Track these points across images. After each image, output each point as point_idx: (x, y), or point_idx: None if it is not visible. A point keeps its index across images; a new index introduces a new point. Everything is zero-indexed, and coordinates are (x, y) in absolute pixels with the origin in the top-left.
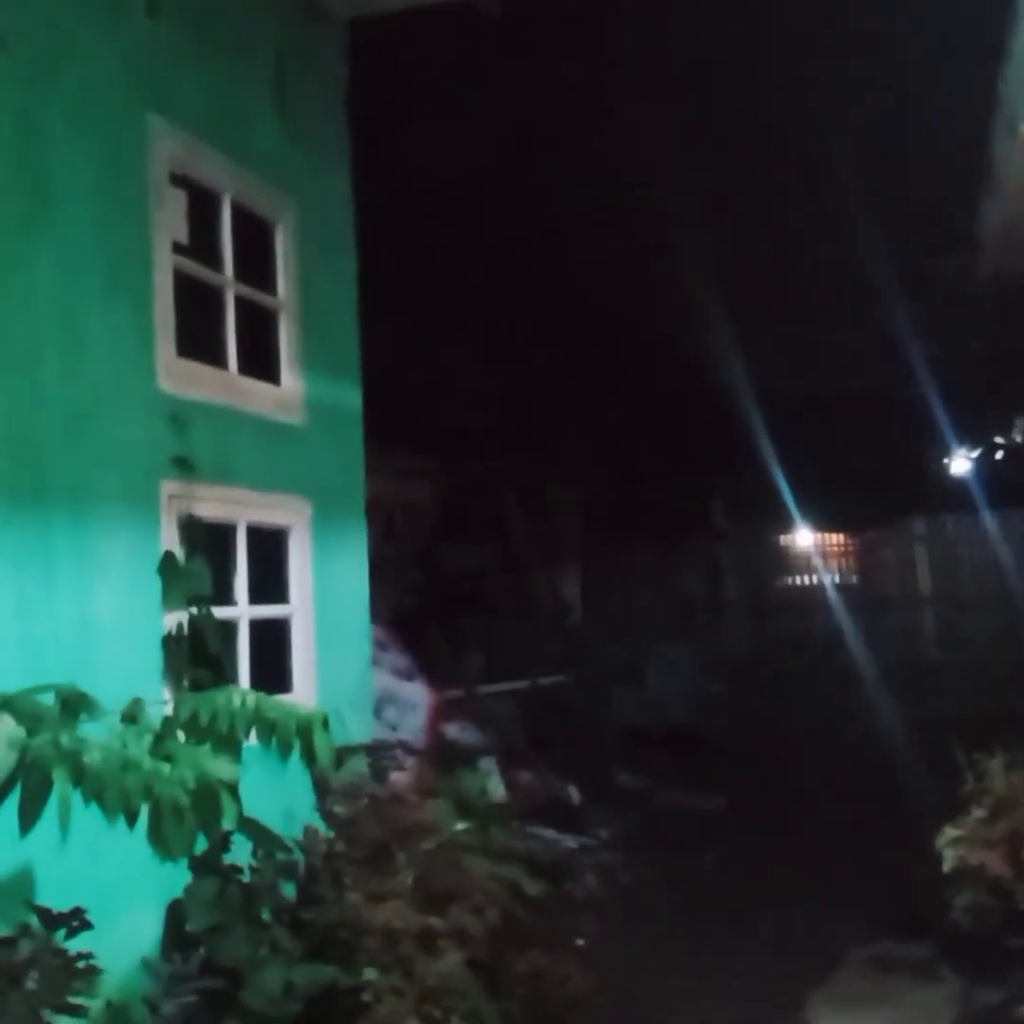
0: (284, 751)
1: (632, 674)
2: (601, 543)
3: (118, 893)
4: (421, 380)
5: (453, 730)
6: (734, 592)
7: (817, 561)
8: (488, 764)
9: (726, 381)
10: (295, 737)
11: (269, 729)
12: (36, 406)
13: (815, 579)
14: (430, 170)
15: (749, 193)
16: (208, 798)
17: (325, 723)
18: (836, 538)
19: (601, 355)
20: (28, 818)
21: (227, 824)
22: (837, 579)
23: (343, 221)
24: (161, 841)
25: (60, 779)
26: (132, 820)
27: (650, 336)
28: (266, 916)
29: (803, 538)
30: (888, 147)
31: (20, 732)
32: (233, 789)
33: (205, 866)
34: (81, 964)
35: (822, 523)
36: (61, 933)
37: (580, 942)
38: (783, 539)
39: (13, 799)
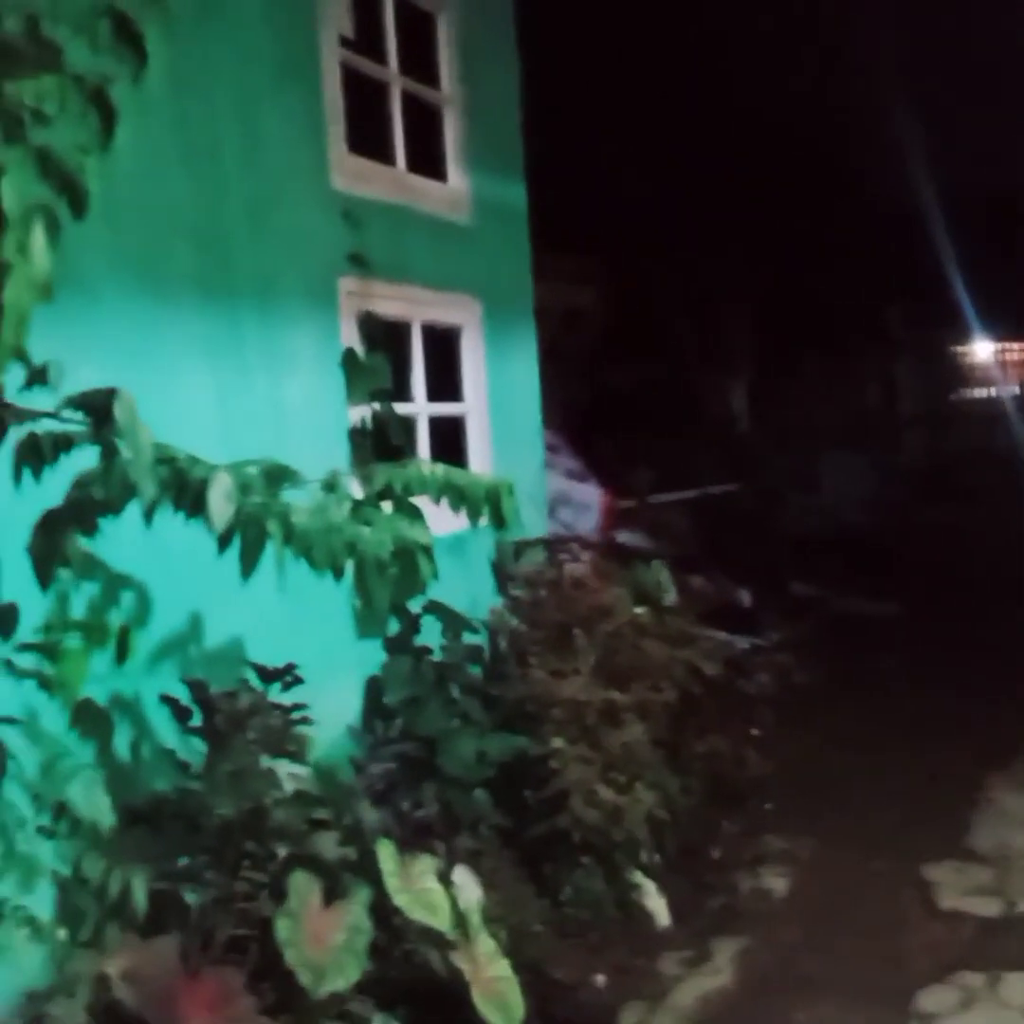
0: (473, 516)
1: (805, 482)
2: (772, 352)
3: (322, 668)
4: (589, 183)
5: (624, 535)
6: (909, 402)
7: (996, 371)
8: (658, 566)
9: (904, 180)
10: (484, 503)
11: (459, 495)
12: (220, 197)
13: (994, 390)
14: None
15: None
16: (406, 558)
17: (511, 490)
18: (1017, 347)
19: (773, 155)
20: (247, 565)
21: (426, 583)
22: (1017, 390)
23: (505, 13)
24: (366, 594)
25: (273, 534)
26: (338, 575)
27: (823, 133)
28: (456, 692)
29: (982, 348)
30: None
31: (235, 490)
32: (428, 551)
33: (398, 646)
34: (296, 715)
35: (1002, 331)
36: (276, 689)
37: (755, 731)
38: (961, 349)
39: (232, 560)
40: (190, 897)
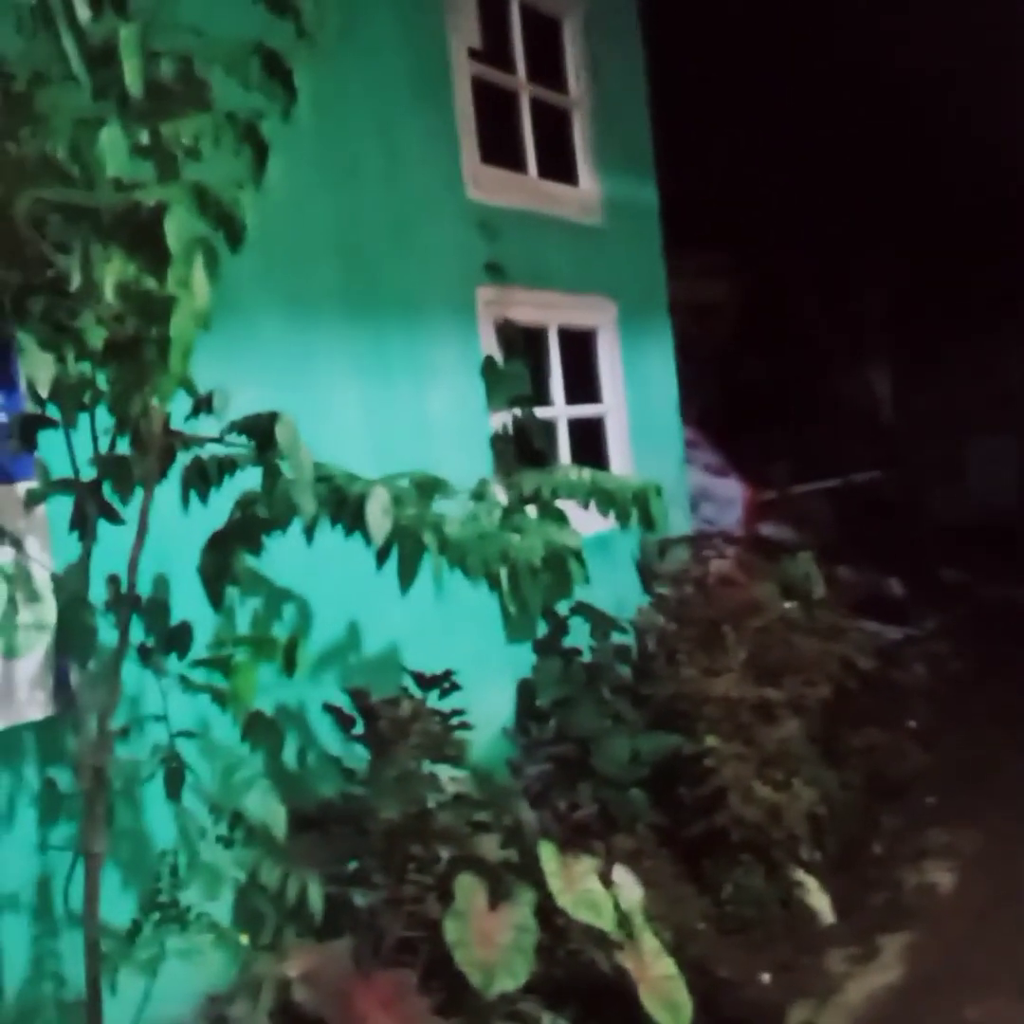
0: (622, 519)
1: (951, 468)
2: (914, 337)
3: (475, 672)
4: (719, 176)
5: (768, 528)
6: None
7: None
8: (805, 559)
9: None
10: (632, 505)
11: (608, 499)
12: (362, 216)
13: None
14: None
15: None
16: (558, 562)
17: (659, 492)
18: None
19: (908, 138)
20: (406, 577)
21: (576, 587)
22: None
23: (629, 14)
24: (519, 599)
25: (429, 544)
26: (493, 582)
27: (960, 113)
28: (607, 693)
29: None
30: None
31: (391, 504)
32: (579, 555)
33: (548, 649)
34: (455, 720)
35: None
36: (435, 695)
37: (913, 723)
38: None
39: (386, 570)
40: (360, 900)
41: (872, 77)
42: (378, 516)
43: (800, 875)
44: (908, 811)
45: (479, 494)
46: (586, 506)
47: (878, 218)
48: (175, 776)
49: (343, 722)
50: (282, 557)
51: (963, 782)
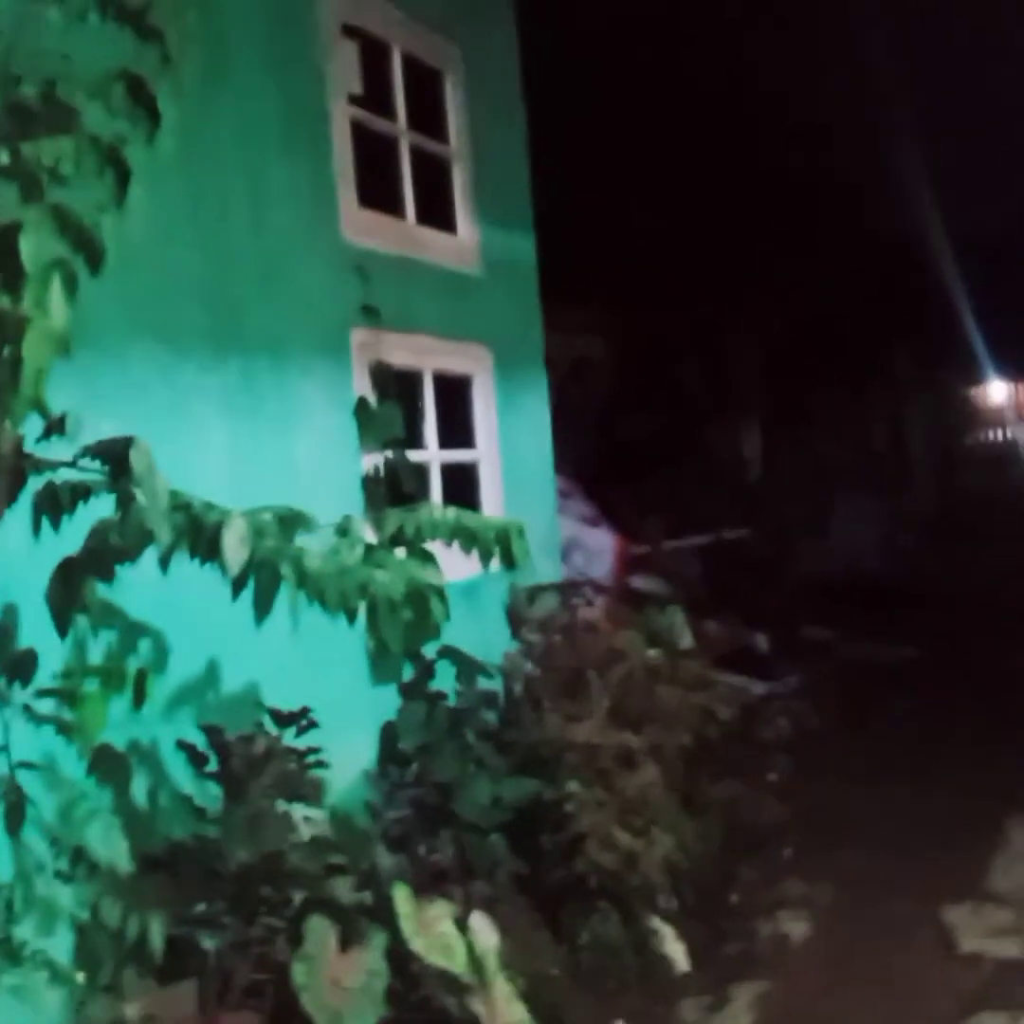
0: (484, 558)
1: (816, 526)
2: (781, 395)
3: (338, 714)
4: (596, 233)
5: (638, 580)
6: (920, 444)
7: (1009, 414)
8: (673, 611)
9: (914, 220)
10: (494, 544)
11: (470, 538)
12: (232, 260)
13: (1008, 433)
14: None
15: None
16: (419, 599)
17: (521, 532)
18: None
19: (779, 198)
20: (262, 610)
21: (442, 629)
22: None
23: (510, 69)
24: (379, 636)
25: (287, 577)
26: (351, 617)
27: (832, 174)
28: (471, 737)
29: (996, 389)
30: None
31: (249, 535)
32: (440, 593)
33: (413, 692)
34: (311, 758)
35: (1017, 372)
36: (292, 733)
37: (772, 776)
38: (974, 391)
39: (247, 606)
40: (208, 942)
41: (751, 138)
42: (234, 545)
43: (656, 923)
44: (765, 862)
45: (343, 530)
46: (449, 544)
47: (752, 279)
48: (15, 809)
49: (196, 760)
50: (139, 589)
51: (819, 834)
